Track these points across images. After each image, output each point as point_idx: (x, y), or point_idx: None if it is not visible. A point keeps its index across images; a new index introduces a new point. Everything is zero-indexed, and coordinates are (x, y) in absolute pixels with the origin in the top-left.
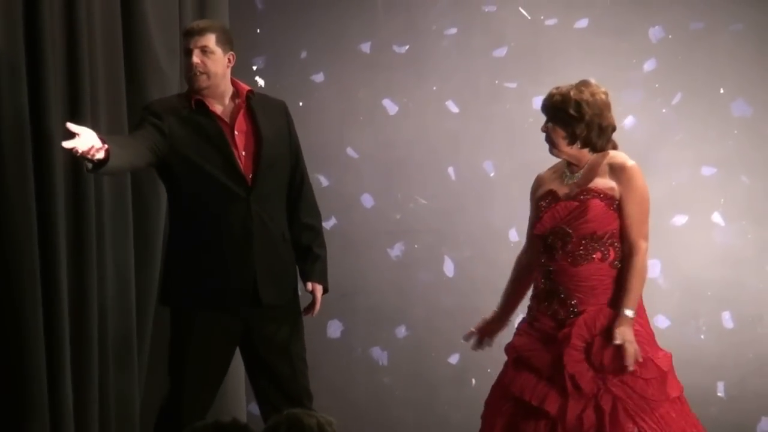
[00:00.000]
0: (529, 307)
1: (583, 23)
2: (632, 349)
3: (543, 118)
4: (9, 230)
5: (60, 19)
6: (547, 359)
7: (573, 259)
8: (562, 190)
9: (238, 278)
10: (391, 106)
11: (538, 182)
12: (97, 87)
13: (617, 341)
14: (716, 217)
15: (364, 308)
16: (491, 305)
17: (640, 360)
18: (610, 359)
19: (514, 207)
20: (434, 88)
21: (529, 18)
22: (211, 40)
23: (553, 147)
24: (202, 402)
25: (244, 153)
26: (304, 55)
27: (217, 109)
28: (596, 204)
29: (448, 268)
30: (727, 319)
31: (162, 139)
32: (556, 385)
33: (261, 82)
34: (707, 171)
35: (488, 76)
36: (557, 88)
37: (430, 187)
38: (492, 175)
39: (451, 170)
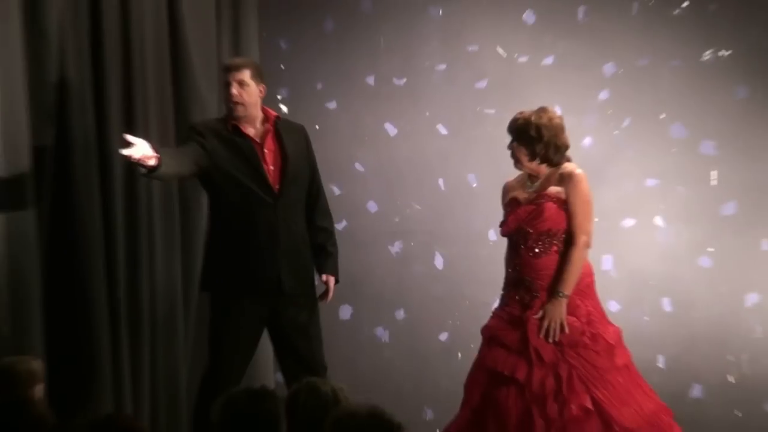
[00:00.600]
0: (501, 296)
1: (549, 60)
2: (551, 324)
3: None
4: (78, 230)
5: (118, 56)
6: (515, 336)
7: (534, 254)
8: (522, 197)
9: (265, 271)
10: (391, 129)
11: (505, 190)
12: (148, 110)
13: (538, 315)
14: (658, 221)
15: (369, 295)
16: (473, 292)
17: (556, 336)
18: (566, 335)
19: (493, 212)
20: (427, 113)
21: (505, 56)
22: (246, 74)
23: (517, 162)
24: (236, 372)
25: (272, 168)
26: (320, 86)
27: (250, 131)
28: (550, 206)
29: (438, 262)
30: (666, 304)
31: (205, 154)
32: (523, 357)
33: (285, 109)
34: (650, 182)
35: (471, 103)
36: (521, 113)
37: (423, 195)
38: (474, 185)
39: (441, 181)
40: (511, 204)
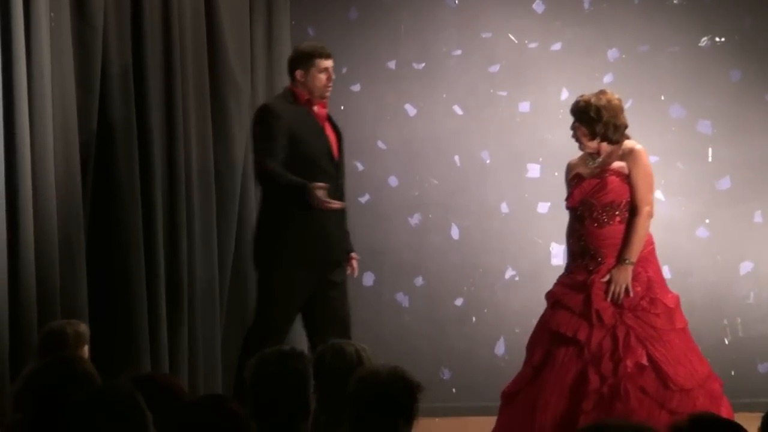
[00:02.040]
0: (567, 265)
1: (557, 46)
2: (617, 288)
3: (527, 120)
4: (119, 205)
5: (159, 44)
6: (579, 299)
7: (598, 224)
8: (586, 172)
9: (331, 240)
10: (411, 110)
11: (569, 168)
12: (187, 95)
13: (606, 278)
14: (658, 194)
15: (390, 263)
16: (486, 261)
17: (622, 299)
18: (627, 298)
19: (505, 186)
20: (444, 95)
21: (516, 42)
22: None
23: (579, 142)
24: (280, 333)
25: (332, 143)
26: (344, 70)
27: (314, 111)
28: (613, 179)
29: (454, 232)
30: (666, 272)
31: (285, 137)
32: (584, 319)
33: None
34: (652, 159)
35: (485, 86)
36: (582, 96)
37: (440, 170)
38: (488, 162)
39: (456, 158)
40: (575, 179)
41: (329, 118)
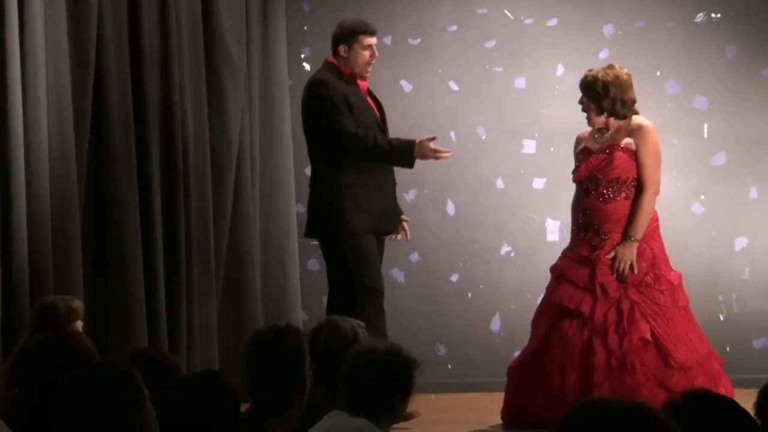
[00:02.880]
0: (571, 238)
1: (553, 22)
2: (621, 265)
3: (522, 96)
4: (115, 185)
5: (156, 21)
6: (583, 273)
7: (604, 199)
8: (594, 147)
9: (387, 209)
10: (406, 86)
11: (577, 141)
12: (183, 72)
13: (611, 255)
14: None
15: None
16: (482, 237)
17: (626, 275)
18: (631, 274)
19: (500, 162)
20: (440, 71)
21: (512, 18)
22: None
23: (588, 117)
24: (378, 294)
25: (377, 114)
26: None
27: (358, 84)
28: (620, 155)
29: (450, 208)
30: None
31: (346, 107)
32: (588, 292)
33: (307, 66)
34: (698, 103)
35: (480, 62)
36: (590, 70)
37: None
38: (483, 137)
39: (452, 134)
40: (583, 152)
41: (369, 92)
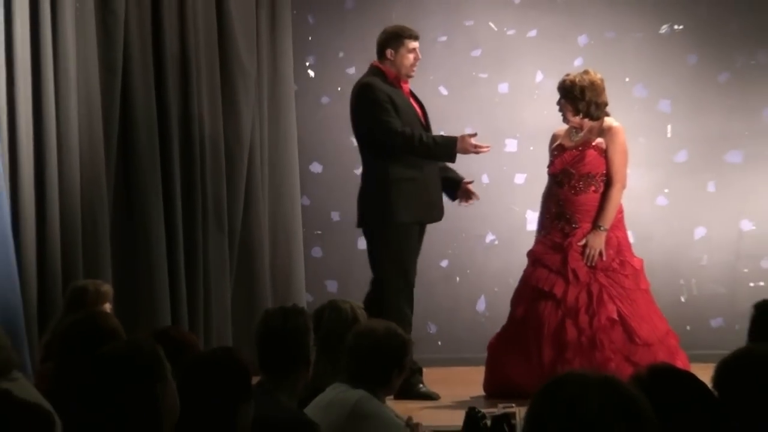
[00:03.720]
0: (544, 226)
1: (533, 33)
2: (591, 252)
3: (505, 100)
4: (140, 180)
5: (176, 31)
6: (557, 259)
7: (575, 191)
8: (568, 144)
9: (431, 202)
10: None
11: (553, 138)
12: (201, 78)
13: (582, 242)
14: None
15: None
16: (469, 226)
17: (596, 261)
18: (599, 259)
19: (485, 159)
20: (431, 77)
21: (496, 29)
22: None
23: (564, 117)
24: (410, 286)
25: (419, 114)
26: (341, 54)
27: (401, 87)
28: (591, 153)
29: None
30: (630, 236)
31: (392, 108)
32: (561, 276)
33: (312, 73)
34: (663, 106)
35: (468, 69)
36: (568, 75)
37: None
38: None
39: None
40: (558, 149)
41: (412, 93)
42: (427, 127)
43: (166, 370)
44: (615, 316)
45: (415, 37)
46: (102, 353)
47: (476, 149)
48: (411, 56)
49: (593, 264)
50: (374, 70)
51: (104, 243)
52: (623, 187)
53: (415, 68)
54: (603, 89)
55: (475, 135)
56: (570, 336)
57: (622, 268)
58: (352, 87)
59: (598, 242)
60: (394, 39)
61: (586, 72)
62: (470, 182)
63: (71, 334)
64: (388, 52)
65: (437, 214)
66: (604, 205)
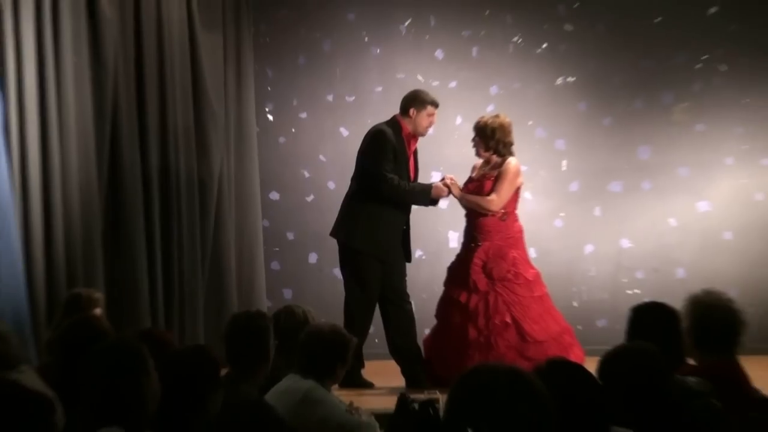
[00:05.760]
0: (461, 243)
1: (453, 84)
2: (455, 190)
3: (431, 139)
4: (127, 208)
5: (155, 80)
6: (463, 272)
7: (477, 215)
8: (477, 174)
9: (399, 241)
10: (344, 132)
11: (473, 169)
12: (177, 120)
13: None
14: (527, 194)
15: (329, 246)
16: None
17: (456, 192)
18: (496, 272)
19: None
20: (369, 121)
21: (423, 81)
22: None
23: (477, 151)
24: (373, 308)
25: (411, 169)
26: (295, 102)
27: (408, 143)
28: (488, 184)
29: None
30: (532, 252)
31: (393, 156)
32: (465, 287)
33: (270, 117)
34: (523, 168)
35: None
36: (482, 117)
37: None
38: None
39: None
40: (468, 180)
41: (414, 153)
42: (415, 178)
43: (149, 364)
44: (508, 319)
45: (436, 105)
46: (95, 350)
47: (448, 192)
48: (429, 119)
49: (455, 194)
50: (393, 122)
51: (97, 258)
52: (498, 204)
53: (428, 130)
54: (510, 131)
55: (443, 179)
56: (471, 336)
57: (516, 279)
58: (305, 129)
59: (454, 191)
60: (419, 102)
61: (497, 115)
62: (450, 177)
63: (69, 334)
64: (411, 111)
65: (393, 254)
66: (475, 197)
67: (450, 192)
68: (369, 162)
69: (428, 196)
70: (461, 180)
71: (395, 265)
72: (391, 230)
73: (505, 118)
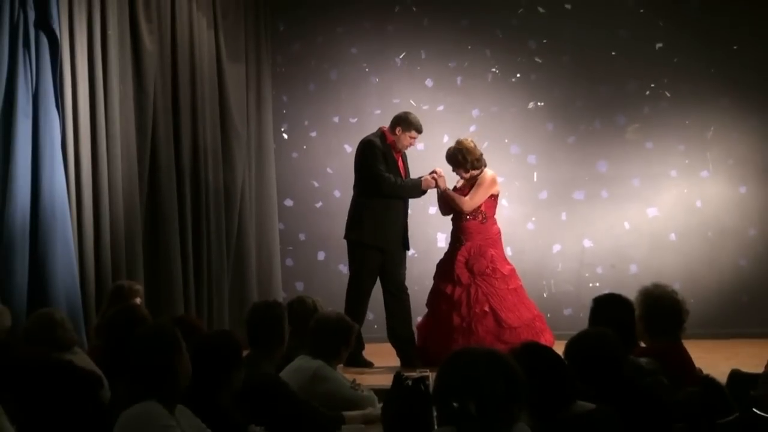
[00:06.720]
0: (448, 242)
1: (441, 107)
2: (441, 183)
3: (422, 155)
4: (163, 212)
5: (189, 107)
6: (449, 267)
7: (461, 219)
8: (459, 185)
9: (397, 231)
10: (348, 148)
11: (457, 181)
12: (206, 141)
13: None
14: (504, 202)
15: (335, 245)
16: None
17: (441, 184)
18: (477, 267)
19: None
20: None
21: (415, 105)
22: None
23: (460, 176)
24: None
25: (401, 168)
26: (306, 123)
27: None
28: (467, 190)
29: None
30: (509, 251)
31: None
32: (451, 280)
33: (285, 136)
34: (500, 179)
35: None
36: (449, 149)
37: None
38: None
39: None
40: (453, 189)
41: (402, 154)
42: (406, 174)
43: (182, 346)
44: (487, 308)
45: (419, 131)
46: (136, 334)
47: (435, 183)
48: (409, 140)
49: (441, 186)
50: (379, 133)
51: (138, 254)
52: (470, 205)
53: (406, 149)
54: (473, 148)
55: (433, 172)
56: (455, 323)
57: (494, 274)
58: (314, 146)
59: (441, 183)
60: (406, 124)
61: (458, 141)
62: (435, 171)
63: (114, 320)
64: (398, 129)
65: (403, 241)
66: (454, 194)
67: (437, 184)
68: (366, 167)
69: (419, 188)
70: (450, 183)
71: (395, 256)
72: (390, 223)
73: (465, 140)
